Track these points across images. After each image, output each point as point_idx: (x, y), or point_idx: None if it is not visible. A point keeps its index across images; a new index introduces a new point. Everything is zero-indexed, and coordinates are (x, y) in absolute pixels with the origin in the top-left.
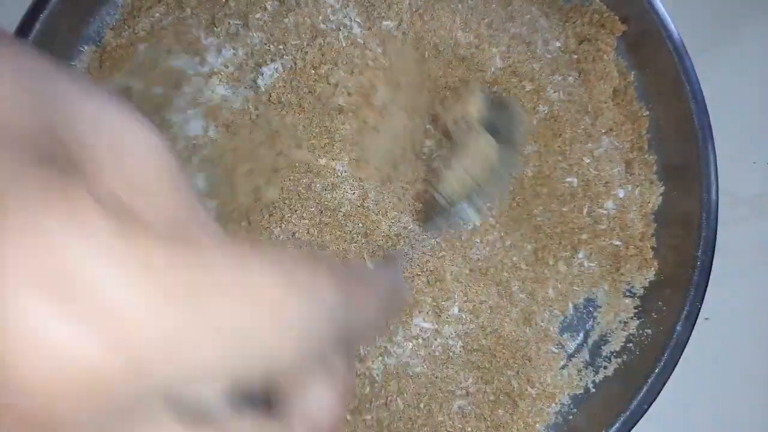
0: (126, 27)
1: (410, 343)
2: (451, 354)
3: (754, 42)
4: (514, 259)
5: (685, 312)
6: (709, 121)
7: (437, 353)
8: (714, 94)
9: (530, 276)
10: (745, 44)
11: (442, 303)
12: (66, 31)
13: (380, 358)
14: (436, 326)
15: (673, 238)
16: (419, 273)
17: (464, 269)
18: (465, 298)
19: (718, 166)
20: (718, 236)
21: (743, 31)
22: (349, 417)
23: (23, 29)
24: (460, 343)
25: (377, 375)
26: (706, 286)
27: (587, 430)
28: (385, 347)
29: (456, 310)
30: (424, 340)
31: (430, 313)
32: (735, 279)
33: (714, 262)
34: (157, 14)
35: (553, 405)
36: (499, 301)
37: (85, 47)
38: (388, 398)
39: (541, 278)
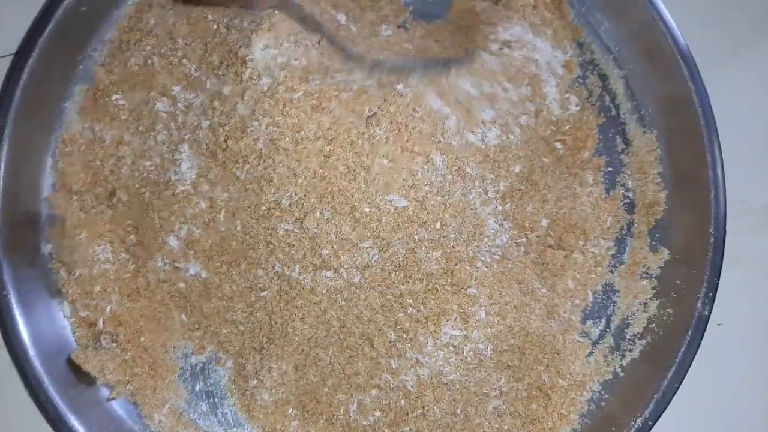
0: (116, 63)
1: (441, 352)
2: (482, 357)
3: None
4: (532, 255)
5: (703, 288)
6: (717, 133)
7: (469, 358)
8: (729, 104)
9: (548, 270)
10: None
11: (469, 309)
12: (57, 73)
13: (412, 369)
14: (465, 332)
15: (685, 215)
16: (444, 284)
17: (487, 273)
18: (491, 301)
19: (729, 175)
20: (731, 244)
21: (758, 39)
22: (386, 430)
23: (12, 75)
24: (489, 345)
25: (411, 387)
26: (722, 262)
27: (621, 415)
28: (417, 358)
29: (483, 314)
30: (454, 347)
31: (458, 320)
32: (748, 286)
33: (727, 269)
34: (149, 47)
35: (585, 393)
36: (523, 299)
37: (77, 87)
38: (425, 408)
39: (559, 271)
